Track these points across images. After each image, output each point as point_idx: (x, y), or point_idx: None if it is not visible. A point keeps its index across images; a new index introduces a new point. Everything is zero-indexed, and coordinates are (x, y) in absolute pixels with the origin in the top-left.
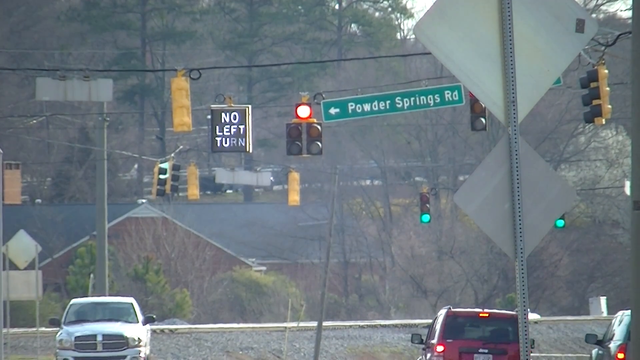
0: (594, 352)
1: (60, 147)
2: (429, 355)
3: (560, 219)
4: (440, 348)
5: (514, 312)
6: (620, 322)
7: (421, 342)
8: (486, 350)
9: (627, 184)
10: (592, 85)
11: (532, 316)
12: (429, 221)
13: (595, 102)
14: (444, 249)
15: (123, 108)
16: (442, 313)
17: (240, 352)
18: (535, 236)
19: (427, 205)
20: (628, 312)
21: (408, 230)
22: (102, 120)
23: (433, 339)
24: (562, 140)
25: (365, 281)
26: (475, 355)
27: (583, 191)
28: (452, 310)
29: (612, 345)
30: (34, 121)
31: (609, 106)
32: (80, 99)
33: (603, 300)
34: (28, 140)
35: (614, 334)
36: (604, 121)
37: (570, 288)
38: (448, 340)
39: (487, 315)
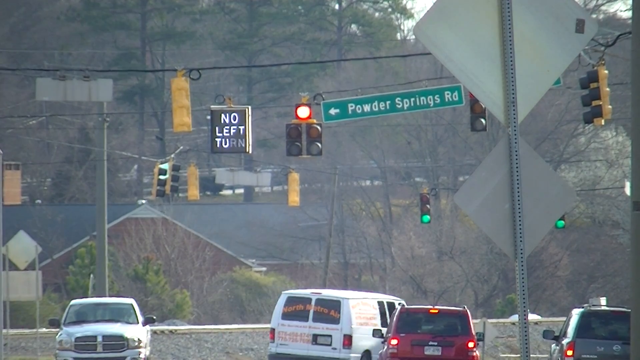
0: (552, 347)
1: (60, 147)
2: (385, 348)
3: (560, 219)
4: (394, 341)
5: (460, 309)
6: (573, 319)
7: (382, 336)
8: (435, 343)
9: (627, 184)
10: (592, 85)
11: (532, 317)
12: (429, 221)
13: (595, 102)
14: (444, 250)
15: (123, 108)
16: (397, 310)
17: (240, 353)
18: (535, 236)
19: (427, 205)
20: (579, 310)
21: (408, 230)
22: (102, 121)
23: (390, 333)
24: (562, 141)
25: (365, 281)
26: (426, 347)
27: (583, 192)
28: (405, 307)
29: (564, 342)
30: (34, 121)
31: (609, 107)
32: (80, 99)
33: (603, 300)
34: (28, 141)
35: (566, 331)
36: (603, 122)
37: (570, 288)
38: (401, 334)
39: (436, 311)
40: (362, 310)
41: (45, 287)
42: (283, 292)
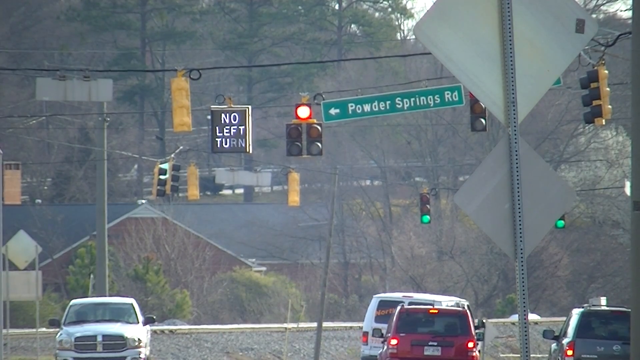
0: (552, 346)
1: (60, 147)
2: (385, 347)
3: (560, 219)
4: (394, 341)
5: (460, 309)
6: (573, 319)
7: (381, 336)
8: (435, 343)
9: (627, 184)
10: (592, 85)
11: (532, 317)
12: (429, 222)
13: (595, 102)
14: (444, 250)
15: (123, 108)
16: (396, 310)
17: (240, 353)
18: (535, 236)
19: (427, 205)
20: (579, 309)
21: (408, 230)
22: (102, 120)
23: (390, 333)
24: (562, 141)
25: (365, 281)
26: (425, 347)
27: (583, 191)
28: (405, 307)
29: (564, 342)
30: (34, 121)
31: (609, 106)
32: (80, 99)
33: (603, 300)
34: (28, 140)
35: (566, 331)
36: (604, 122)
37: (570, 288)
38: (401, 335)
39: (436, 311)
40: None
41: (45, 287)
42: (374, 296)
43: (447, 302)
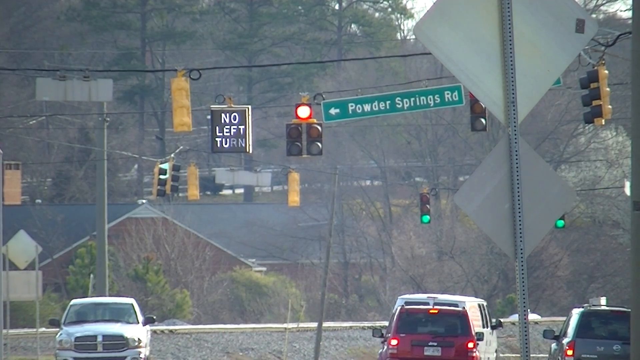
0: (552, 346)
1: (60, 147)
2: (385, 348)
3: (560, 219)
4: (394, 342)
5: (460, 309)
6: (573, 319)
7: (381, 336)
8: (435, 343)
9: (627, 184)
10: (592, 85)
11: (532, 317)
12: (429, 222)
13: (595, 102)
14: (444, 250)
15: (123, 108)
16: (397, 310)
17: (240, 353)
18: (535, 236)
19: (427, 205)
20: (579, 309)
21: (408, 230)
22: (102, 121)
23: (390, 333)
24: (562, 141)
25: (365, 281)
26: (426, 347)
27: (583, 192)
28: (405, 307)
29: (564, 342)
30: (34, 121)
31: (609, 107)
32: (80, 99)
33: (603, 300)
34: (28, 140)
35: (566, 331)
36: (603, 122)
37: (570, 288)
38: (401, 335)
39: (436, 311)
40: (475, 314)
41: (45, 287)
42: (399, 297)
43: (470, 302)
